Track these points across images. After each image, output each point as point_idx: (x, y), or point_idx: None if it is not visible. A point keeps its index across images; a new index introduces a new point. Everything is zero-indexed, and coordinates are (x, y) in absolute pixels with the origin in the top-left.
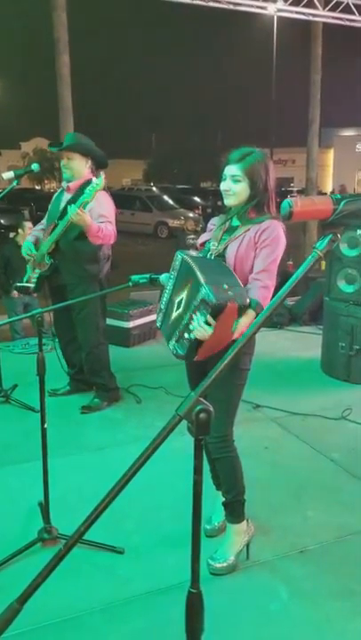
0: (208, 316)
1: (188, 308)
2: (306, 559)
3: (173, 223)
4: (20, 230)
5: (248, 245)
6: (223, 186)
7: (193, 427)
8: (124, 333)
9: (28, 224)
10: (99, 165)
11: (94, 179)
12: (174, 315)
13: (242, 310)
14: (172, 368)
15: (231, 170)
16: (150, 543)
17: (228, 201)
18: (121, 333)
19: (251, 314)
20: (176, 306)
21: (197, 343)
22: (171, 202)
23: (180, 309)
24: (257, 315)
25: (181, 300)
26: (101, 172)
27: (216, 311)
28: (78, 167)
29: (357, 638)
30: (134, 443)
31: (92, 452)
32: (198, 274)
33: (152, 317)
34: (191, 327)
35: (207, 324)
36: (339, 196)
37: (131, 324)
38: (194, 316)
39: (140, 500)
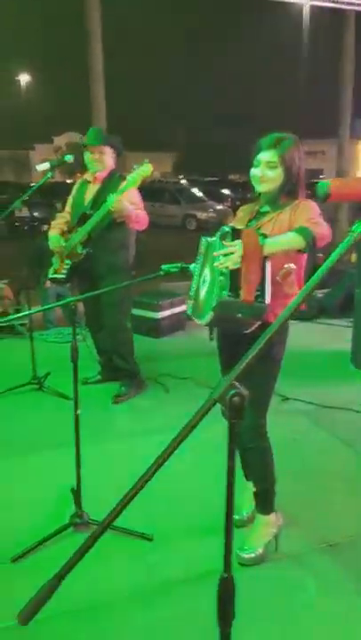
0: (228, 240)
1: (212, 264)
2: (335, 553)
3: (202, 216)
4: (52, 222)
5: (283, 225)
6: (256, 172)
7: (226, 410)
8: (154, 324)
9: (58, 215)
10: (118, 153)
11: (137, 165)
12: (202, 292)
13: (263, 236)
14: (200, 359)
15: (266, 156)
16: (179, 532)
17: (262, 187)
18: (150, 324)
19: (290, 234)
20: (202, 283)
21: (236, 274)
22: (199, 194)
23: (207, 280)
24: (304, 241)
25: (206, 274)
26: (146, 160)
27: (235, 235)
28: (108, 160)
29: None
30: (163, 432)
31: (122, 440)
32: (214, 238)
33: (181, 308)
34: (221, 268)
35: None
36: None
37: (160, 315)
38: (219, 253)
39: (168, 489)
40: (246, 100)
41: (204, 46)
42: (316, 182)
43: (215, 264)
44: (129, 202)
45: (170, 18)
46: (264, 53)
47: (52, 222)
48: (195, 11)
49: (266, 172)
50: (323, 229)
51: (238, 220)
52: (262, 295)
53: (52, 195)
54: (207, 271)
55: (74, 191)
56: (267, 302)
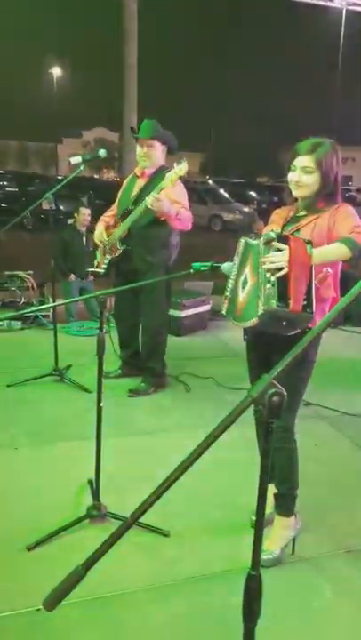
0: (275, 246)
1: (256, 268)
2: (352, 559)
3: (228, 217)
4: (75, 215)
5: (322, 230)
6: (293, 177)
7: (265, 410)
8: (176, 322)
9: (84, 210)
10: (171, 151)
11: (176, 164)
12: (242, 295)
13: (310, 244)
14: (222, 360)
15: (302, 161)
16: (195, 529)
17: (299, 193)
18: (173, 322)
19: (337, 244)
20: (241, 285)
21: (285, 283)
22: (226, 195)
23: (248, 283)
24: (351, 253)
25: (246, 277)
26: (184, 159)
27: (282, 241)
28: (157, 155)
29: None
30: (182, 430)
31: (140, 436)
32: (255, 240)
33: (204, 308)
34: (268, 274)
35: (279, 251)
36: None
37: (183, 314)
38: (266, 259)
39: (186, 486)
40: (276, 103)
41: (234, 46)
42: (345, 189)
43: (263, 266)
44: (172, 200)
45: (200, 17)
46: (297, 56)
47: (88, 214)
48: (226, 10)
49: (302, 177)
50: None
51: (273, 224)
52: (309, 305)
53: (78, 189)
54: (248, 273)
55: (124, 185)
56: (313, 311)
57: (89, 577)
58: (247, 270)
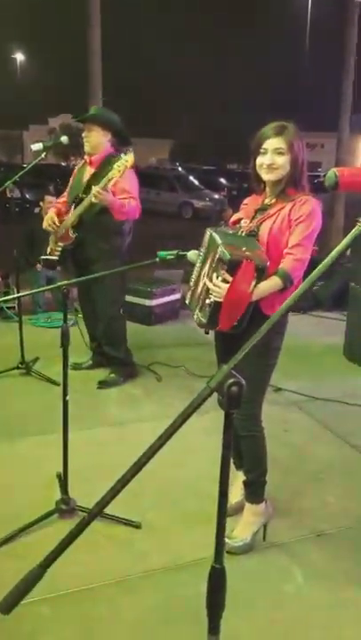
0: (224, 272)
1: (209, 272)
2: (323, 543)
3: (198, 204)
4: (41, 203)
5: (283, 223)
6: (265, 160)
7: (224, 400)
8: (147, 311)
9: (49, 197)
10: (123, 142)
11: (123, 154)
12: (200, 287)
13: (261, 272)
14: (193, 348)
15: (274, 143)
16: (167, 519)
17: (272, 176)
18: (143, 311)
19: (275, 280)
20: (202, 276)
21: (217, 308)
22: (196, 182)
23: (204, 277)
24: (283, 285)
25: (205, 271)
26: (130, 149)
27: (231, 267)
28: (97, 140)
29: None
30: (153, 420)
31: (111, 427)
32: (218, 239)
33: (175, 297)
34: (210, 288)
35: (224, 281)
36: None
37: (153, 303)
38: (213, 278)
39: (157, 476)
40: (247, 92)
41: (204, 36)
42: (314, 175)
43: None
44: (121, 189)
45: (170, 2)
46: (266, 43)
47: (43, 203)
48: (195, 5)
49: (275, 158)
50: (300, 264)
51: (244, 213)
52: (240, 325)
53: (45, 177)
54: (206, 270)
55: (75, 171)
56: (242, 327)
57: (58, 572)
58: (206, 267)
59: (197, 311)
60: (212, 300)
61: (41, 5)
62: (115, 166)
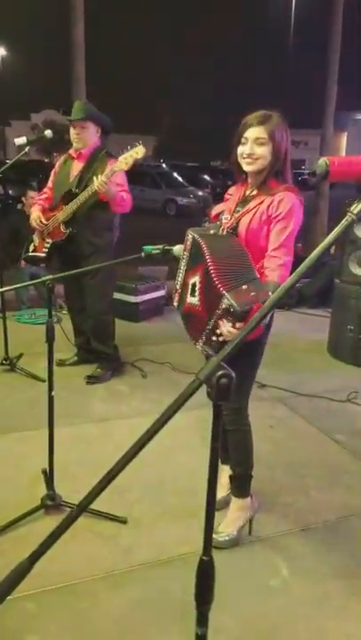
0: (236, 322)
1: (210, 313)
2: (308, 537)
3: (182, 201)
4: (24, 199)
5: (261, 219)
6: (245, 150)
7: (213, 392)
8: (131, 308)
9: (31, 193)
10: (106, 131)
11: (130, 147)
12: (191, 300)
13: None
14: (178, 345)
15: (255, 132)
16: (153, 514)
17: (252, 167)
18: (128, 308)
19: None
20: (190, 289)
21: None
22: (180, 179)
23: (196, 299)
24: (272, 293)
25: (195, 283)
26: (140, 142)
27: (243, 318)
28: (91, 136)
29: (356, 617)
30: (139, 416)
31: (96, 423)
32: (210, 265)
33: (160, 293)
34: (218, 331)
35: (235, 327)
36: None
37: (138, 299)
38: (220, 323)
39: (143, 472)
40: (231, 89)
41: (189, 31)
42: (298, 172)
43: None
44: (114, 183)
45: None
46: (251, 40)
47: (25, 199)
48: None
49: (255, 148)
50: (284, 269)
51: (228, 204)
52: None
53: (28, 173)
54: (198, 281)
55: (57, 167)
56: None
57: (44, 568)
58: (197, 281)
59: (202, 344)
60: (221, 339)
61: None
62: (121, 158)
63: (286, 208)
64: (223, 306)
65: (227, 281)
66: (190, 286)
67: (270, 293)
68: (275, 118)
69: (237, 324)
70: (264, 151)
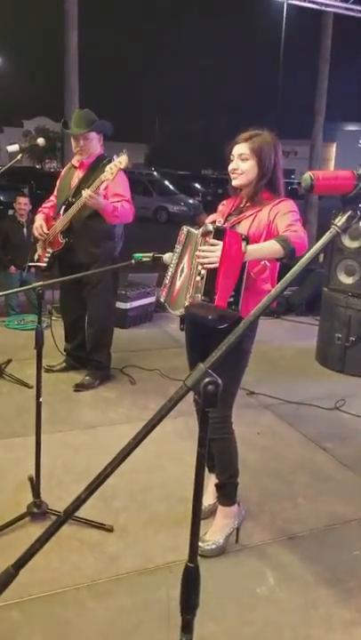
0: (211, 239)
1: (193, 257)
2: (295, 545)
3: (173, 209)
4: (15, 205)
5: (260, 224)
6: (231, 166)
7: (200, 399)
8: (121, 314)
9: (20, 198)
10: (107, 137)
11: (115, 156)
12: (178, 283)
13: (245, 240)
14: (167, 352)
15: (239, 149)
16: (139, 522)
17: (237, 181)
18: (117, 314)
19: (274, 243)
20: (180, 273)
21: (213, 276)
22: (171, 187)
23: (184, 271)
24: (283, 251)
25: (184, 266)
26: (124, 151)
27: (218, 234)
28: (94, 146)
29: (342, 625)
30: (127, 423)
31: (84, 430)
32: (195, 230)
33: (149, 300)
34: (199, 267)
35: (213, 246)
36: None
37: (128, 306)
38: (199, 253)
39: (129, 480)
40: (222, 98)
41: (182, 40)
42: (287, 182)
43: (196, 259)
44: (113, 194)
45: (146, 8)
46: (243, 51)
47: (26, 204)
48: (176, 2)
49: (239, 164)
50: (302, 239)
51: (218, 214)
52: (235, 302)
53: (20, 179)
54: (185, 262)
55: (62, 175)
56: (239, 310)
57: (29, 576)
58: (186, 259)
59: (187, 297)
60: (203, 272)
61: (19, 7)
62: (107, 168)
63: (287, 208)
64: (200, 234)
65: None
66: (179, 272)
67: (274, 241)
68: (261, 136)
69: (213, 241)
70: (247, 166)
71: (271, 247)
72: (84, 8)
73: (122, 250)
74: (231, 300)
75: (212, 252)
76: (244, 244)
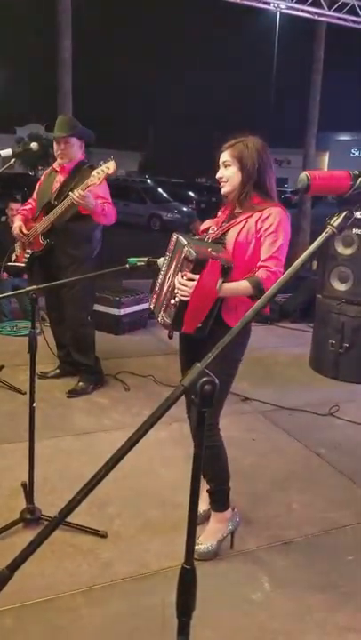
0: (189, 272)
1: (175, 273)
2: (289, 551)
3: (167, 216)
4: (7, 211)
5: (249, 232)
6: (217, 174)
7: (197, 399)
8: (115, 320)
9: (12, 204)
10: (88, 144)
11: (103, 162)
12: (165, 289)
13: (226, 272)
14: (161, 358)
15: (222, 157)
16: (133, 528)
17: (224, 189)
18: (111, 320)
19: (245, 284)
20: (167, 279)
21: (183, 308)
22: (165, 195)
23: (170, 278)
24: (253, 291)
25: (170, 275)
26: (112, 157)
27: (198, 266)
28: (75, 151)
29: (337, 630)
30: (120, 429)
31: (78, 436)
32: (184, 241)
33: (143, 306)
34: (176, 290)
35: (190, 280)
36: (357, 172)
37: (122, 312)
38: (177, 277)
39: (123, 486)
40: (217, 106)
41: (176, 49)
42: (281, 191)
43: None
44: (96, 196)
45: (144, 17)
46: (238, 60)
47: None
48: (169, 12)
49: (223, 171)
50: (272, 281)
51: (213, 222)
52: (203, 328)
53: (13, 186)
54: (172, 271)
55: (42, 179)
56: (205, 333)
57: (23, 582)
58: (172, 269)
59: (162, 312)
60: (177, 299)
61: (12, 15)
62: (94, 173)
63: (275, 222)
64: (182, 255)
65: (193, 243)
66: (167, 279)
67: (232, 264)
68: (245, 142)
69: (191, 275)
70: (230, 172)
71: (246, 289)
72: (79, 18)
73: (104, 253)
74: (199, 326)
75: (186, 287)
76: (220, 282)
